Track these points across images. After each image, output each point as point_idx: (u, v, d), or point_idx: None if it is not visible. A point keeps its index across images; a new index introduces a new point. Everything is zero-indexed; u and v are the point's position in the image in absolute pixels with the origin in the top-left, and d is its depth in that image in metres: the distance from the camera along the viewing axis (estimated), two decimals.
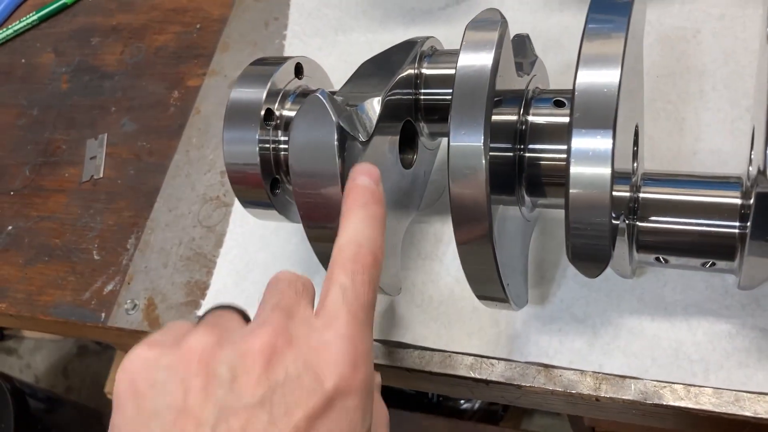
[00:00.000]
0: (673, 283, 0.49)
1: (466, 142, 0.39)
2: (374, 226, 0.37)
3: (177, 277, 0.61)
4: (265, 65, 0.51)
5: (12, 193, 0.73)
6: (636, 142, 0.45)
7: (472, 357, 0.50)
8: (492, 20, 0.40)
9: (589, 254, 0.38)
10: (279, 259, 0.59)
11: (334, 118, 0.40)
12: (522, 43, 0.48)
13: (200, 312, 0.59)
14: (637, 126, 0.45)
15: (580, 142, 0.37)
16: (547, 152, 0.43)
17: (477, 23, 0.41)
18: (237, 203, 0.63)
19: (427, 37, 0.51)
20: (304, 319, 0.34)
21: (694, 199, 0.43)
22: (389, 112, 0.47)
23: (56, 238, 0.68)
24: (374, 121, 0.44)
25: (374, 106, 0.45)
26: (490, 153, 0.40)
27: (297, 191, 0.43)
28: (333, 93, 0.46)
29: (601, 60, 0.37)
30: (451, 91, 0.49)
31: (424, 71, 0.50)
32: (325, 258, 0.46)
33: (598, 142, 0.36)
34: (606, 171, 0.36)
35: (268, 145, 0.49)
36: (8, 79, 0.83)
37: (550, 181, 0.43)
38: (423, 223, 0.57)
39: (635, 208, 0.44)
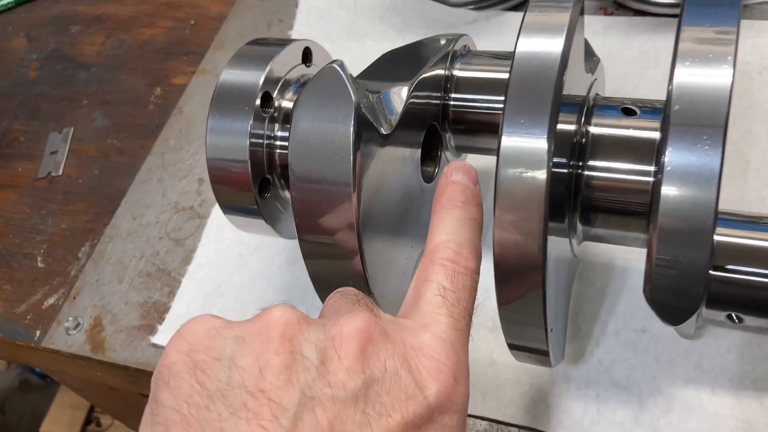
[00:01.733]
0: (738, 349, 0.40)
1: (523, 147, 0.30)
2: (474, 229, 0.32)
3: (133, 295, 0.51)
4: (266, 45, 0.42)
5: None
6: None
7: (486, 422, 0.41)
8: None
9: (675, 297, 0.29)
10: (257, 283, 0.49)
11: (353, 97, 0.32)
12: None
13: (153, 340, 0.49)
14: None
15: (678, 156, 0.28)
16: (612, 170, 0.34)
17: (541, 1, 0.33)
18: (213, 216, 0.53)
19: (461, 35, 0.44)
20: (390, 318, 0.29)
21: None
22: (412, 114, 0.38)
23: None
24: (399, 112, 0.36)
25: (401, 95, 0.37)
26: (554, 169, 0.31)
27: (295, 191, 0.34)
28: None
29: (707, 58, 0.29)
30: (484, 97, 0.42)
31: (456, 73, 0.42)
32: (321, 280, 0.37)
33: (704, 158, 0.28)
34: (711, 195, 0.28)
35: (261, 140, 0.40)
36: None
37: (615, 207, 0.34)
38: None
39: (717, 258, 0.36)
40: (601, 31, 0.56)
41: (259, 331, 0.26)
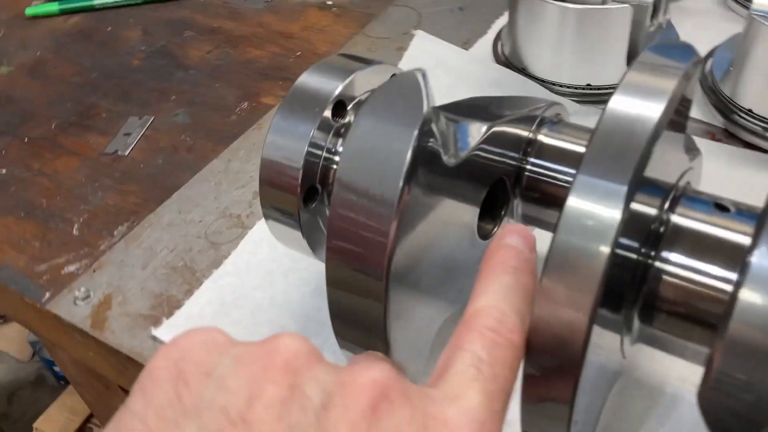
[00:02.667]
0: None
1: (590, 212, 0.26)
2: (524, 298, 0.27)
3: (151, 283, 0.49)
4: (354, 60, 0.41)
5: (26, 139, 0.64)
6: None
7: None
8: (674, 64, 0.29)
9: (732, 418, 0.25)
10: (277, 305, 0.46)
11: (425, 105, 0.29)
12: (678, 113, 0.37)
13: (155, 332, 0.46)
14: None
15: (763, 260, 0.24)
16: (687, 267, 0.30)
17: (649, 62, 0.30)
18: (256, 228, 0.51)
19: (556, 102, 0.41)
20: (413, 386, 0.24)
21: None
22: (483, 162, 0.36)
23: (45, 198, 0.58)
24: (471, 148, 0.33)
25: (478, 130, 0.34)
26: (619, 251, 0.28)
27: (335, 201, 0.31)
28: None
29: None
30: (566, 170, 0.39)
31: (541, 138, 0.39)
32: (338, 312, 0.33)
33: None
34: None
35: (320, 149, 0.38)
36: (85, 40, 0.76)
37: (681, 309, 0.30)
38: None
39: None
40: (705, 155, 0.52)
41: (262, 355, 0.23)
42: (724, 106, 0.55)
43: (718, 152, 0.53)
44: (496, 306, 0.26)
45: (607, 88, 0.58)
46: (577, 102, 0.57)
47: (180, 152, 0.60)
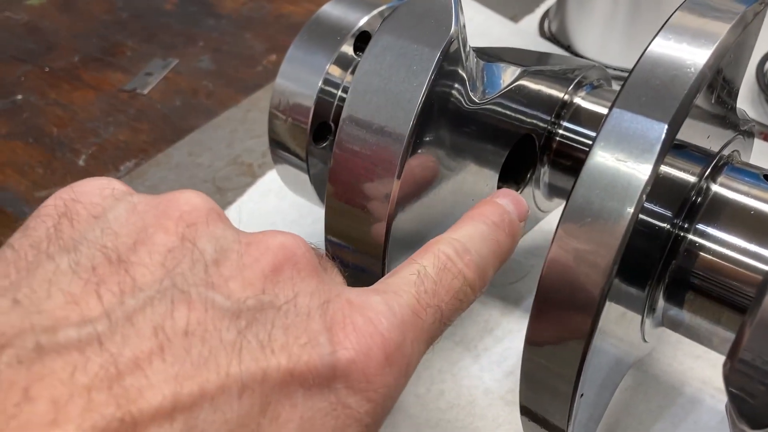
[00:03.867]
0: None
1: (615, 170, 0.23)
2: (494, 252, 0.26)
3: None
4: None
5: (47, 69, 0.62)
6: None
7: None
8: (732, 7, 0.26)
9: (754, 399, 0.21)
10: None
11: (453, 26, 0.26)
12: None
13: None
14: None
15: None
16: (724, 244, 0.26)
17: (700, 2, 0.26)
18: (266, 178, 0.49)
19: (598, 66, 0.38)
20: (331, 264, 0.25)
21: None
22: (515, 112, 0.33)
23: (57, 126, 0.56)
24: (500, 90, 0.30)
25: (509, 73, 0.31)
26: (646, 218, 0.24)
27: (340, 132, 0.28)
28: None
29: None
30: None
31: (578, 101, 0.36)
32: (337, 230, 0.30)
33: None
34: None
35: (336, 90, 0.35)
36: None
37: (713, 289, 0.26)
38: (477, 301, 0.40)
39: None
40: (757, 157, 0.48)
41: (159, 205, 0.21)
42: None
43: None
44: (459, 240, 0.25)
45: None
46: None
47: (199, 96, 0.58)
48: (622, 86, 0.24)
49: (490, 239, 0.26)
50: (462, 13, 0.27)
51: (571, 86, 0.36)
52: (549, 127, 0.36)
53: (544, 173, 0.37)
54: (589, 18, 0.55)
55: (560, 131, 0.36)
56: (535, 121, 0.35)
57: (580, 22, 0.56)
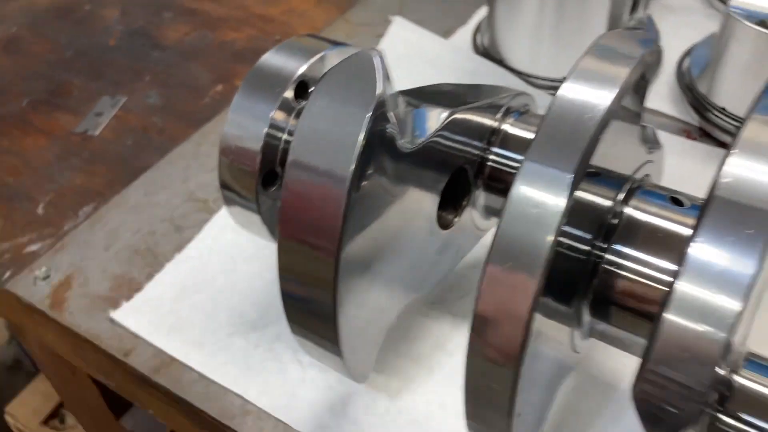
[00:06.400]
0: None
1: (536, 197, 0.26)
2: None
3: (113, 265, 0.48)
4: (320, 40, 0.40)
5: None
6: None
7: None
8: (629, 52, 0.29)
9: (662, 413, 0.24)
10: (237, 291, 0.45)
11: (379, 87, 0.29)
12: (646, 127, 0.37)
13: (113, 314, 0.45)
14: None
15: (702, 252, 0.24)
16: (634, 260, 0.29)
17: (605, 47, 0.29)
18: (221, 213, 0.51)
19: (523, 93, 0.41)
20: None
21: None
22: (444, 149, 0.35)
23: (11, 176, 0.57)
24: (428, 135, 0.33)
25: (437, 117, 0.33)
26: (562, 239, 0.27)
27: (286, 182, 0.30)
28: None
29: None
30: None
31: (506, 127, 0.39)
32: (290, 298, 0.33)
33: (734, 263, 0.23)
34: (735, 306, 0.23)
35: (281, 131, 0.37)
36: (62, 17, 0.75)
37: (627, 302, 0.30)
38: (429, 318, 0.43)
39: (724, 396, 0.30)
40: (680, 153, 0.52)
41: None
42: (700, 104, 0.54)
43: (691, 151, 0.53)
44: None
45: None
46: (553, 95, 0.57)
47: (150, 133, 0.60)
48: (535, 136, 0.27)
49: None
50: (385, 74, 0.30)
51: (499, 114, 0.39)
52: (481, 153, 0.38)
53: (479, 196, 0.40)
54: (517, 31, 0.58)
55: (491, 156, 0.39)
56: (468, 149, 0.37)
57: (509, 36, 0.59)
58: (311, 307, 0.32)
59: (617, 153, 0.31)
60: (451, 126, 0.35)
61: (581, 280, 0.30)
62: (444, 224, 0.38)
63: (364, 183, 0.30)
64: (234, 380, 0.41)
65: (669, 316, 0.23)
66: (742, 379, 0.31)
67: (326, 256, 0.30)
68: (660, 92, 0.57)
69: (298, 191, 0.30)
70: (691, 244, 0.23)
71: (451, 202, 0.39)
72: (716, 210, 0.24)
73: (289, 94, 0.37)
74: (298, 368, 0.41)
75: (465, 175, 0.38)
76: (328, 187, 0.29)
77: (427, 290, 0.40)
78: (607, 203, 0.30)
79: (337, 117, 0.29)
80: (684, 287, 0.23)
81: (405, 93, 0.37)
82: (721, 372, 0.27)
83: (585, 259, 0.30)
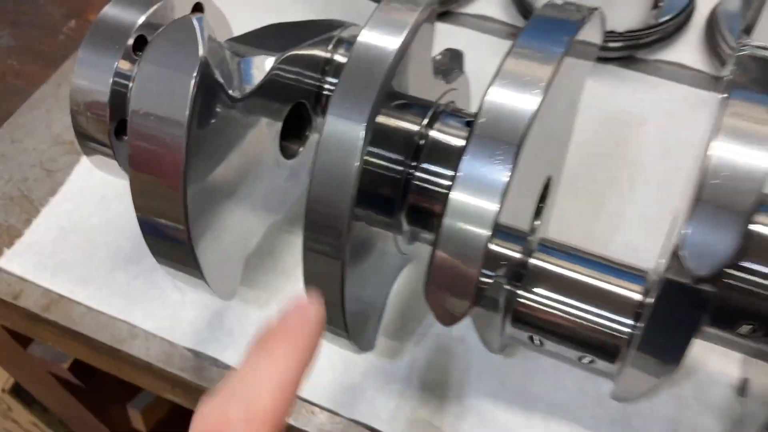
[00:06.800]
0: (542, 375, 0.42)
1: (342, 132, 0.31)
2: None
3: None
4: None
5: None
6: (544, 200, 0.39)
7: None
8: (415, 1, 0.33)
9: (448, 300, 0.31)
10: (112, 227, 0.49)
11: (201, 50, 0.32)
12: (454, 56, 0.42)
13: None
14: (549, 180, 0.39)
15: (470, 166, 0.30)
16: (438, 176, 0.35)
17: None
18: None
19: (352, 24, 0.45)
20: None
21: (590, 282, 0.37)
22: (278, 86, 0.39)
23: None
24: (257, 82, 0.36)
25: (264, 64, 0.37)
26: (375, 160, 0.32)
27: (131, 129, 0.34)
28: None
29: (522, 81, 0.30)
30: None
31: (338, 58, 0.43)
32: (149, 235, 0.37)
33: (493, 171, 0.29)
34: (492, 206, 0.29)
35: (127, 82, 0.40)
36: None
37: (433, 212, 0.36)
38: (292, 234, 0.48)
39: (521, 274, 0.37)
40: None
41: None
42: (523, 8, 0.60)
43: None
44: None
45: None
46: None
47: (7, 78, 0.60)
48: (342, 73, 0.32)
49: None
50: (209, 35, 0.33)
51: (331, 46, 0.43)
52: (318, 84, 0.43)
53: (321, 123, 0.44)
54: None
55: (327, 86, 0.43)
56: (304, 85, 0.41)
57: None
58: (170, 242, 0.37)
59: (419, 85, 0.36)
60: (280, 68, 0.39)
61: (397, 194, 0.36)
62: (290, 154, 0.43)
63: (200, 130, 0.34)
64: (120, 309, 0.46)
65: (446, 221, 0.29)
66: (535, 261, 0.38)
67: (174, 195, 0.34)
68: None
69: (142, 136, 0.34)
70: (462, 158, 0.29)
71: (296, 133, 0.43)
72: (481, 128, 0.29)
73: (129, 44, 0.40)
74: (178, 293, 0.46)
75: (305, 108, 0.42)
76: (169, 138, 0.33)
77: (284, 212, 0.45)
78: (414, 128, 0.36)
79: (166, 81, 0.32)
80: (455, 195, 0.29)
81: (239, 39, 0.41)
82: (514, 255, 0.34)
83: (398, 177, 0.35)
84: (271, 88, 0.38)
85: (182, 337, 0.44)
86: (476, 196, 0.29)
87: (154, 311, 0.45)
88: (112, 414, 0.88)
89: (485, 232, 0.28)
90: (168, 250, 0.37)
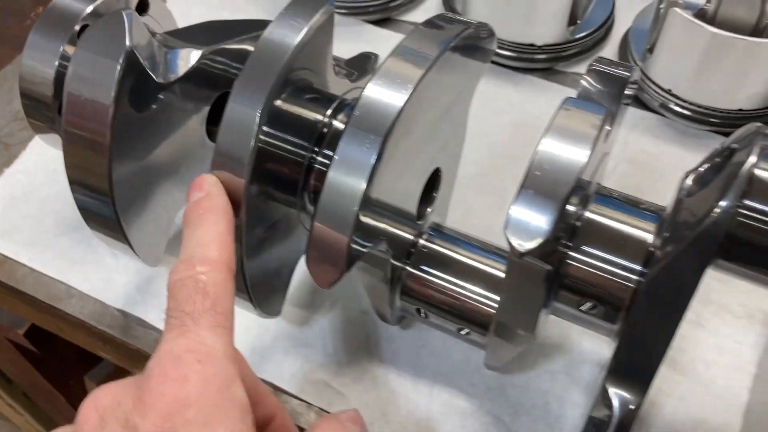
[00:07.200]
0: (432, 346, 0.46)
1: (239, 118, 0.36)
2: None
3: None
4: None
5: None
6: (435, 189, 0.44)
7: None
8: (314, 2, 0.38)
9: (324, 264, 0.35)
10: (61, 199, 0.54)
11: (128, 40, 0.37)
12: (365, 58, 0.47)
13: None
14: (439, 173, 0.43)
15: (344, 150, 0.34)
16: (327, 157, 0.40)
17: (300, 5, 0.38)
18: None
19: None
20: None
21: (466, 261, 0.42)
22: (208, 76, 0.44)
23: None
24: (182, 72, 0.41)
25: (190, 56, 0.42)
26: (278, 143, 0.37)
27: (65, 108, 0.39)
28: (154, 35, 0.43)
29: (395, 81, 0.35)
30: None
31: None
32: (82, 208, 0.41)
33: (362, 155, 0.34)
34: (360, 185, 0.33)
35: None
36: None
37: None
38: None
39: (410, 253, 0.42)
40: None
41: None
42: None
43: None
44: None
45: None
46: (338, 14, 0.65)
47: None
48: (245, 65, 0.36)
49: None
50: (137, 28, 0.38)
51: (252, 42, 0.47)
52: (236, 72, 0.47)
53: None
54: None
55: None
56: (231, 75, 0.46)
57: None
58: (99, 212, 0.41)
59: (324, 82, 0.41)
60: (209, 59, 0.43)
61: (300, 176, 0.40)
62: (215, 137, 0.47)
63: (125, 111, 0.38)
64: (59, 271, 0.50)
65: (323, 196, 0.34)
66: (423, 242, 0.43)
67: (101, 170, 0.39)
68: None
69: (73, 124, 0.39)
70: (338, 144, 0.34)
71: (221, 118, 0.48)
72: (355, 120, 0.34)
73: (74, 30, 0.44)
74: (113, 259, 0.51)
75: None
76: (96, 117, 0.38)
77: None
78: (319, 117, 0.40)
79: (96, 66, 0.37)
80: (331, 174, 0.34)
81: (174, 33, 0.46)
82: (406, 236, 0.38)
83: (301, 160, 0.40)
84: (197, 77, 0.43)
85: (114, 299, 0.49)
86: (348, 176, 0.33)
87: (91, 274, 0.50)
88: (70, 384, 0.92)
89: (354, 207, 0.33)
90: (98, 220, 0.42)
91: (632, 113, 0.58)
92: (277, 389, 0.45)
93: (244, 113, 0.35)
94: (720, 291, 0.48)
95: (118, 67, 0.37)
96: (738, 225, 0.31)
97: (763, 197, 0.31)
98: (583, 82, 0.36)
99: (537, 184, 0.31)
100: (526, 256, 0.31)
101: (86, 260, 0.51)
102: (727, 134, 0.56)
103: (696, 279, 0.32)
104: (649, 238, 0.35)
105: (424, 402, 0.44)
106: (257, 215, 0.39)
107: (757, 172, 0.31)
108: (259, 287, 0.41)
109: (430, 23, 0.38)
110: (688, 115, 0.56)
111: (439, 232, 0.44)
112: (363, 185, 0.33)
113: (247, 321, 0.46)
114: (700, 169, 0.35)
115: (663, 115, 0.58)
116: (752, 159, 0.31)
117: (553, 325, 0.45)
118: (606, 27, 0.62)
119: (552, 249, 0.33)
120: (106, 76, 0.37)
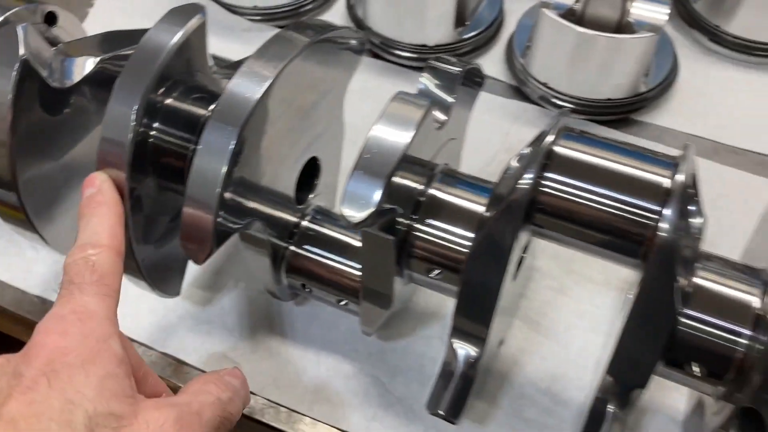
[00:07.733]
0: (323, 319, 0.51)
1: (117, 116, 0.40)
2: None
3: None
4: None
5: None
6: (316, 176, 0.49)
7: None
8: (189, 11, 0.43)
9: (194, 243, 0.40)
10: None
11: (22, 50, 0.42)
12: None
13: None
14: (317, 161, 0.48)
15: (206, 138, 0.39)
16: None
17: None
18: None
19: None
20: None
21: (343, 239, 0.47)
22: (109, 80, 0.48)
23: None
24: (77, 78, 0.46)
25: (86, 63, 0.47)
26: (161, 135, 0.42)
27: None
28: (57, 44, 0.48)
29: (252, 79, 0.39)
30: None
31: None
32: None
33: (221, 141, 0.38)
34: (220, 167, 0.38)
35: None
36: None
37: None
38: None
39: (293, 233, 0.47)
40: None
41: None
42: (357, 22, 0.70)
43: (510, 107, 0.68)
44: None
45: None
46: (251, 21, 0.70)
47: None
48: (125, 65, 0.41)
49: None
50: (33, 39, 0.42)
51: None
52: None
53: None
54: None
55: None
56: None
57: None
58: (11, 209, 0.45)
59: (203, 81, 0.46)
60: (108, 64, 0.48)
61: (186, 168, 0.45)
62: None
63: (26, 113, 0.43)
64: None
65: (189, 181, 0.39)
66: (305, 223, 0.48)
67: (4, 168, 0.43)
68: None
69: None
70: (201, 136, 0.39)
71: None
72: (215, 113, 0.39)
73: None
74: (33, 251, 0.55)
75: None
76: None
77: None
78: (201, 112, 0.45)
79: None
80: (196, 162, 0.38)
81: (79, 42, 0.50)
82: (288, 218, 0.43)
83: (184, 152, 0.44)
84: (97, 80, 0.48)
85: (33, 287, 0.53)
86: (210, 162, 0.38)
87: (11, 265, 0.54)
88: None
89: (217, 188, 0.38)
90: (9, 214, 0.46)
91: (516, 106, 0.64)
92: (180, 362, 0.49)
93: (122, 111, 0.40)
94: (583, 261, 0.53)
95: (14, 74, 0.42)
96: (539, 194, 0.36)
97: (560, 170, 0.37)
98: (422, 79, 0.41)
99: (366, 164, 0.36)
100: (360, 226, 0.36)
101: (8, 252, 0.55)
102: (599, 122, 0.63)
103: (511, 241, 0.37)
104: (480, 209, 0.40)
105: (312, 367, 0.49)
106: (156, 206, 0.44)
107: (556, 148, 0.37)
108: (155, 270, 0.45)
109: (295, 26, 0.43)
110: (563, 106, 0.62)
111: (322, 214, 0.49)
112: (224, 168, 0.38)
113: (153, 303, 0.51)
114: (523, 151, 0.40)
115: (543, 107, 0.63)
116: (550, 138, 0.36)
117: (431, 294, 0.50)
118: (495, 27, 0.68)
119: (391, 220, 0.38)
120: (3, 83, 0.42)
